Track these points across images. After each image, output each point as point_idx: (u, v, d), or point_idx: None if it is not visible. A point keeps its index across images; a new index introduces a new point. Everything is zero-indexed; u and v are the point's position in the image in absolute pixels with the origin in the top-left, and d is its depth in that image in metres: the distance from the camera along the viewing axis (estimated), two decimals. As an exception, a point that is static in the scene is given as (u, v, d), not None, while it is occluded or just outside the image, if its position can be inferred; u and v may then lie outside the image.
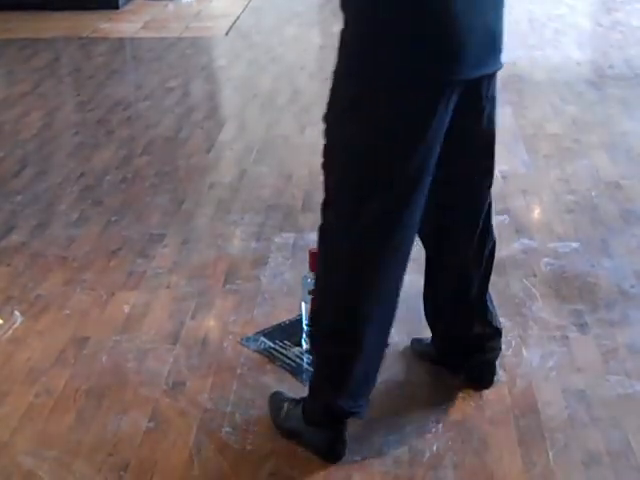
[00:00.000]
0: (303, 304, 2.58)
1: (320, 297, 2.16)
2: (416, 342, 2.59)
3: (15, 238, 3.37)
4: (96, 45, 6.18)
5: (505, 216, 3.44)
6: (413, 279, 2.99)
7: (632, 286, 2.94)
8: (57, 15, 6.89)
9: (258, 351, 2.62)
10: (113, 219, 3.51)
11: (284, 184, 3.80)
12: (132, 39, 6.42)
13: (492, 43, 2.03)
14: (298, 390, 2.43)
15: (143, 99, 5.06)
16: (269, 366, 2.56)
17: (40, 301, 2.93)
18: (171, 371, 2.54)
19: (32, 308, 2.89)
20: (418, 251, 3.20)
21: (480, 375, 2.41)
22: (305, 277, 2.57)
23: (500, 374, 2.48)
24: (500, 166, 3.89)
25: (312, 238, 3.19)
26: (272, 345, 2.64)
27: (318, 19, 7.16)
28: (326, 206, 2.08)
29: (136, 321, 2.79)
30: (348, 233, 2.03)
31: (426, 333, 2.68)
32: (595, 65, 5.56)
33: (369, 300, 2.07)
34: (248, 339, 2.68)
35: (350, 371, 2.09)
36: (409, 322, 2.74)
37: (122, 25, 6.73)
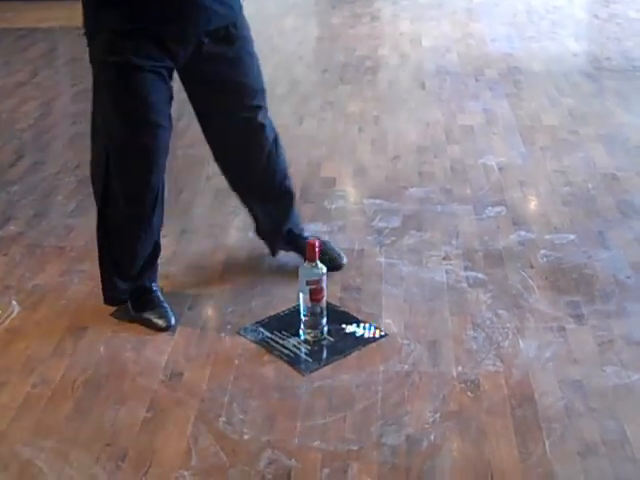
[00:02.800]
0: (301, 294, 2.59)
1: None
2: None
3: (12, 228, 3.37)
4: (93, 35, 6.16)
5: (502, 208, 3.45)
6: (411, 271, 3.01)
7: (628, 277, 2.95)
8: (54, 5, 6.87)
9: (256, 341, 2.63)
10: (110, 209, 3.50)
11: (281, 175, 3.80)
12: (129, 29, 6.40)
13: None
14: (296, 380, 2.44)
15: (140, 89, 5.04)
16: (267, 356, 2.56)
17: (37, 291, 2.93)
18: (169, 361, 2.54)
19: (29, 298, 2.89)
20: (415, 243, 3.22)
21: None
22: (302, 267, 2.57)
23: (497, 365, 2.49)
24: (497, 158, 3.94)
25: (311, 229, 3.21)
26: (270, 335, 2.65)
27: (316, 10, 7.16)
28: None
29: (134, 311, 2.80)
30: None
31: (424, 322, 2.70)
32: (592, 57, 5.57)
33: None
34: (246, 329, 2.69)
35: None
36: (406, 312, 2.76)
37: (119, 15, 6.70)
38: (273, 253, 3.07)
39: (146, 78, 2.47)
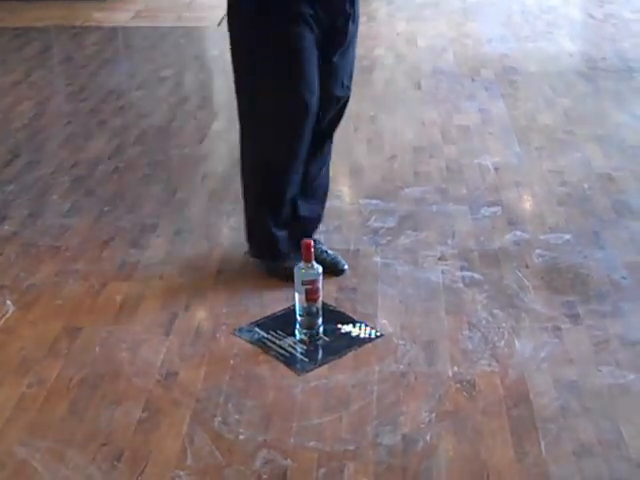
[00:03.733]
0: (297, 294, 2.59)
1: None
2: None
3: (7, 228, 3.35)
4: (88, 34, 6.16)
5: (498, 208, 3.45)
6: (407, 271, 3.01)
7: (623, 277, 2.95)
8: (49, 4, 6.86)
9: (251, 341, 2.63)
10: (105, 209, 3.50)
11: (277, 175, 3.79)
12: (124, 28, 6.40)
13: None
14: (292, 380, 2.44)
15: (136, 89, 5.05)
16: (262, 356, 2.56)
17: (32, 291, 2.92)
18: (164, 361, 2.54)
19: (24, 298, 2.88)
20: (411, 243, 3.22)
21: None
22: (298, 268, 2.57)
23: (493, 365, 2.49)
24: (492, 158, 3.94)
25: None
26: (265, 335, 2.65)
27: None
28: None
29: (129, 311, 2.79)
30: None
31: (420, 322, 2.70)
32: (587, 57, 5.57)
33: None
34: (241, 329, 2.68)
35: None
36: (402, 312, 2.76)
37: (114, 14, 6.70)
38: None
39: (304, 40, 2.61)
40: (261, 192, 2.91)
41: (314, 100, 2.69)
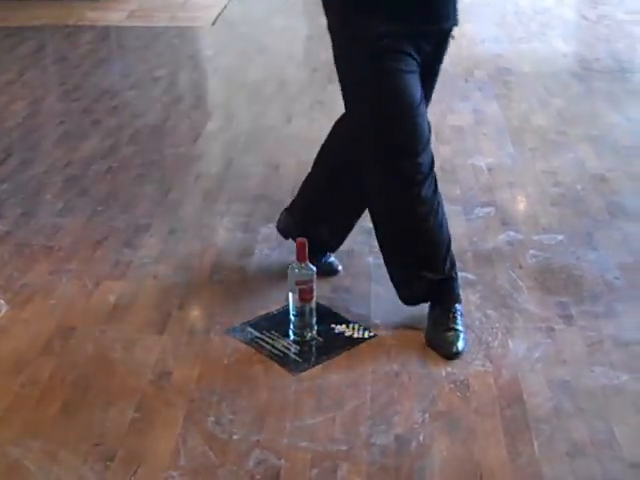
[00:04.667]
0: (290, 294, 2.59)
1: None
2: None
3: (0, 227, 3.35)
4: (82, 33, 6.14)
5: (491, 208, 3.45)
6: (400, 270, 3.00)
7: (616, 278, 2.95)
8: (43, 3, 6.84)
9: (245, 341, 2.62)
10: (99, 209, 3.49)
11: (271, 174, 3.80)
12: (118, 28, 6.39)
13: None
14: (285, 380, 2.44)
15: (129, 88, 5.04)
16: (256, 356, 2.56)
17: (26, 290, 2.91)
18: (158, 361, 2.53)
19: (17, 297, 2.87)
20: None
21: None
22: (292, 267, 2.57)
23: (487, 365, 2.49)
24: (486, 158, 3.95)
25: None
26: (259, 335, 2.65)
27: (305, 9, 7.15)
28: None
29: (122, 311, 2.79)
30: None
31: (413, 322, 2.70)
32: (581, 58, 5.58)
33: None
34: (235, 329, 2.68)
35: None
36: (395, 313, 2.76)
37: (108, 14, 6.69)
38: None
39: (407, 79, 2.52)
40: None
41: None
